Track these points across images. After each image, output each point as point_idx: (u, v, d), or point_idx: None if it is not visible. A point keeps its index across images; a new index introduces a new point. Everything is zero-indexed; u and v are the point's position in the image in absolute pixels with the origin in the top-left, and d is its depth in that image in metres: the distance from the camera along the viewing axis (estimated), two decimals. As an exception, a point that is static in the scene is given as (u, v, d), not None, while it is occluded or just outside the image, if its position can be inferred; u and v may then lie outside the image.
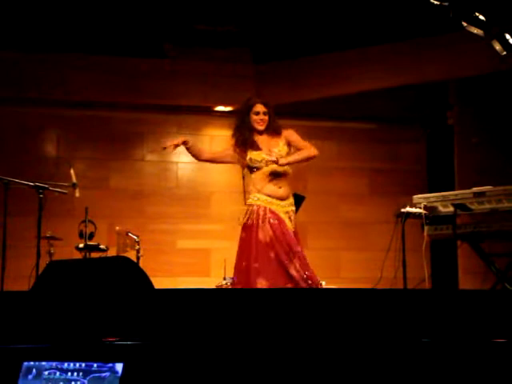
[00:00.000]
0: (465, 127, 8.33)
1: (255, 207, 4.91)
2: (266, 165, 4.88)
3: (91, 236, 6.97)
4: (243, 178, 6.48)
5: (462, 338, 2.86)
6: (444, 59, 7.78)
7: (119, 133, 8.70)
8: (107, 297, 2.96)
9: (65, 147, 8.59)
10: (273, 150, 4.94)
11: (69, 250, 6.85)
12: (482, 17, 6.24)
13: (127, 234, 7.18)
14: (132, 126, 8.75)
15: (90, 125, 8.61)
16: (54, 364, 2.63)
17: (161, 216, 8.62)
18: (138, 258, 6.95)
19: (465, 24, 6.30)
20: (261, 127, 4.98)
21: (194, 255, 8.59)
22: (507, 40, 6.43)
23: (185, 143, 5.06)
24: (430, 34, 7.74)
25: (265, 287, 4.70)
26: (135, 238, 7.13)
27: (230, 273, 7.42)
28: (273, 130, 5.01)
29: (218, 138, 9.01)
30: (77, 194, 6.43)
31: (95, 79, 8.36)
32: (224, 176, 8.71)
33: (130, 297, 2.97)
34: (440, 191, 6.65)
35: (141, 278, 3.27)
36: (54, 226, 6.96)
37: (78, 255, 6.92)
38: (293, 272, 4.78)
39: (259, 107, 5.01)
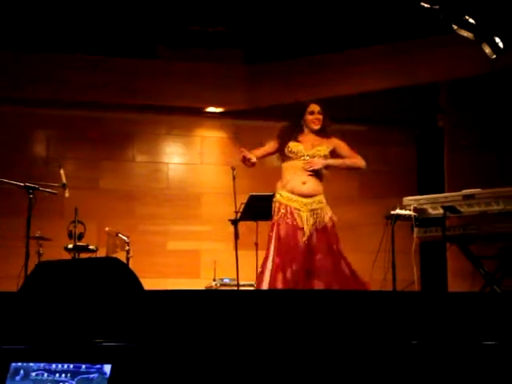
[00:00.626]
0: (455, 129, 8.35)
1: (277, 204, 4.94)
2: (299, 158, 4.94)
3: (80, 236, 6.96)
4: (233, 179, 6.51)
5: (451, 340, 2.87)
6: (434, 61, 7.81)
7: (110, 133, 8.68)
8: (96, 298, 2.96)
9: (55, 147, 8.57)
10: (315, 147, 4.98)
11: (58, 250, 6.82)
12: (471, 20, 6.27)
13: (117, 235, 7.17)
14: (123, 127, 8.73)
15: (81, 125, 8.59)
16: (41, 365, 2.62)
17: (151, 217, 8.61)
18: (127, 259, 6.94)
19: (455, 27, 6.34)
20: (316, 126, 5.03)
21: (184, 256, 8.58)
22: (497, 43, 6.46)
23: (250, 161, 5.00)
24: (421, 37, 7.77)
25: (283, 282, 4.72)
26: (125, 238, 7.12)
27: (220, 274, 7.47)
28: (323, 131, 5.05)
29: (209, 139, 9.01)
30: (66, 195, 6.41)
31: (87, 79, 8.34)
32: (214, 177, 8.72)
33: (119, 298, 2.97)
34: (430, 193, 6.67)
35: (130, 280, 3.27)
36: (44, 226, 6.94)
37: (67, 256, 6.90)
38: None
39: (313, 107, 5.07)
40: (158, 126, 8.87)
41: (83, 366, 2.59)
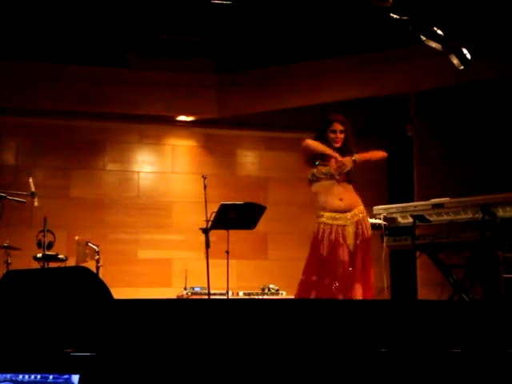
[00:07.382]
0: (424, 139, 8.43)
1: (322, 225, 4.98)
2: (332, 176, 5.01)
3: (50, 246, 6.88)
4: (205, 188, 6.51)
5: (420, 348, 2.89)
6: (404, 72, 7.89)
7: (80, 142, 8.63)
8: (65, 307, 2.93)
9: (24, 156, 8.50)
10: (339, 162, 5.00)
11: (27, 259, 6.76)
12: (440, 31, 6.35)
13: (87, 244, 7.12)
14: (93, 135, 8.69)
15: (51, 133, 8.53)
16: (8, 376, 2.59)
17: (121, 226, 8.57)
18: (97, 268, 6.89)
19: (423, 38, 6.41)
20: (338, 144, 5.06)
21: (155, 265, 8.55)
22: (464, 54, 6.55)
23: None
24: (390, 47, 7.85)
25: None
26: (95, 247, 7.07)
27: (191, 283, 7.45)
28: (345, 148, 5.09)
29: (179, 148, 9.00)
30: (36, 203, 6.36)
31: (56, 87, 8.29)
32: (185, 186, 8.71)
33: (88, 307, 2.95)
34: (399, 202, 6.71)
35: (100, 289, 3.24)
36: (12, 235, 6.87)
37: (36, 265, 6.82)
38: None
39: (336, 125, 5.10)
40: (129, 135, 8.84)
41: (50, 377, 2.57)
